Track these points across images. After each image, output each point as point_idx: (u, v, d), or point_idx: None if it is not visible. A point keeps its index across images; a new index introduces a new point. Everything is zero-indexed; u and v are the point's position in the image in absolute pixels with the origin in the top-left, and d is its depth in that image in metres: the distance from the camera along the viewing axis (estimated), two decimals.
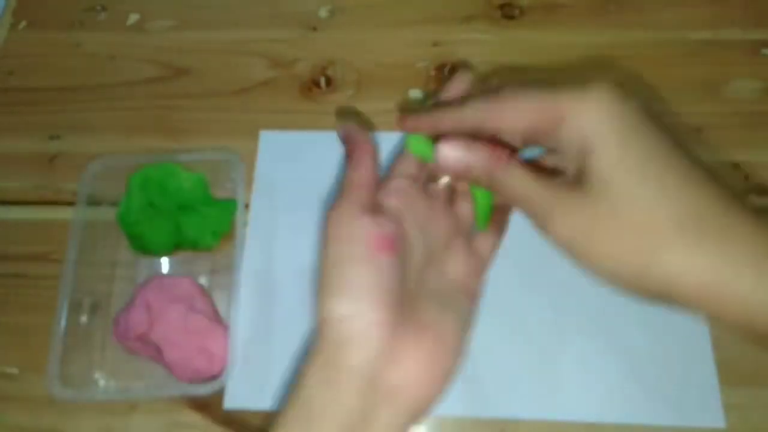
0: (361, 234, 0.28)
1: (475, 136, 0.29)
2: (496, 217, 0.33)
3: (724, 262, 0.23)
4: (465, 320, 0.31)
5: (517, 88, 0.27)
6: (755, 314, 0.23)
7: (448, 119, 0.29)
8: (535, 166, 0.27)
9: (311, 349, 0.29)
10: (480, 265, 0.33)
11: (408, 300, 0.29)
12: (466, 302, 0.32)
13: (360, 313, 0.27)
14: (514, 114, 0.27)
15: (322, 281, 0.29)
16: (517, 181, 0.27)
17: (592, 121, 0.25)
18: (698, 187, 0.24)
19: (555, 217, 0.26)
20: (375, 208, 0.30)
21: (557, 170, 0.27)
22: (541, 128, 0.26)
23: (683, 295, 0.24)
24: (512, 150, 0.28)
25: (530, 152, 0.29)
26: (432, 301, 0.30)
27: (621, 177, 0.24)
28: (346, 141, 0.33)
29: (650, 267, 0.24)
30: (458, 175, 0.29)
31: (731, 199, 0.24)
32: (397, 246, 0.29)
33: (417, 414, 0.29)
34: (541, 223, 0.26)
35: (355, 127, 0.33)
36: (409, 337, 0.28)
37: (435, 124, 0.30)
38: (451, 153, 0.28)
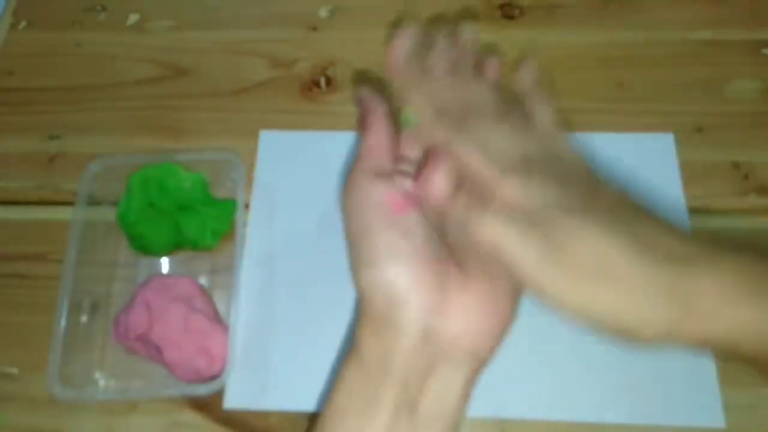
0: (378, 199, 0.29)
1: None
2: None
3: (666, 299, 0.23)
4: None
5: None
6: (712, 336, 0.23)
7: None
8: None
9: (360, 316, 0.29)
10: None
11: (450, 248, 0.29)
12: None
13: (397, 276, 0.27)
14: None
15: (352, 253, 0.29)
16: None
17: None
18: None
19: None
20: (395, 167, 0.30)
21: None
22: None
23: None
24: None
25: None
26: None
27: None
28: (360, 107, 0.33)
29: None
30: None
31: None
32: (418, 201, 0.29)
33: (478, 363, 0.29)
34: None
35: (368, 93, 0.33)
36: (455, 288, 0.28)
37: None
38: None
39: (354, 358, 0.29)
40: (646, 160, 0.48)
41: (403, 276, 0.27)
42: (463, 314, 0.28)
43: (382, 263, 0.28)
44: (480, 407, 0.40)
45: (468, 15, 0.55)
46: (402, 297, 0.27)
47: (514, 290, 0.30)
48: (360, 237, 0.29)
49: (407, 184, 0.30)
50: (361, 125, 0.32)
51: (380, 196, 0.29)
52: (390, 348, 0.27)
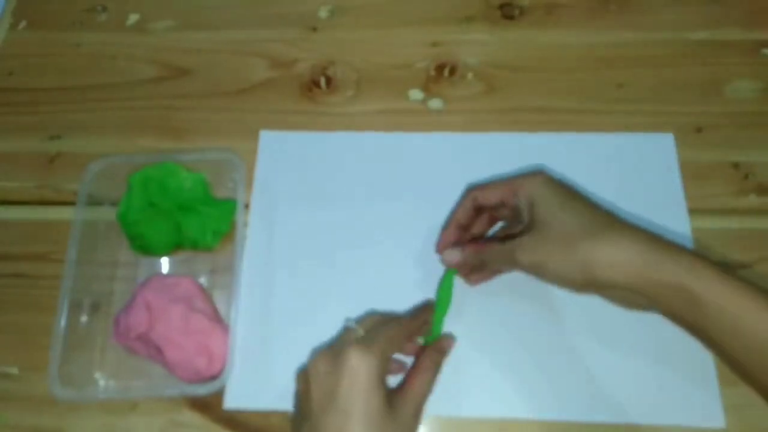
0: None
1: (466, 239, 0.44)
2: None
3: (629, 249, 0.33)
4: None
5: (489, 183, 0.42)
6: (655, 286, 0.33)
7: (461, 211, 0.43)
8: (503, 237, 0.41)
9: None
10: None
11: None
12: None
13: None
14: (491, 194, 0.41)
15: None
16: (493, 250, 0.40)
17: (533, 189, 0.38)
18: (598, 210, 0.37)
19: (517, 254, 0.37)
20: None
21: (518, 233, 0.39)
22: (505, 199, 0.40)
23: (609, 277, 0.34)
24: (487, 240, 0.44)
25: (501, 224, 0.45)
26: None
27: (553, 213, 0.37)
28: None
29: (584, 263, 0.34)
30: (460, 266, 0.42)
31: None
32: None
33: None
34: (512, 263, 0.38)
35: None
36: None
37: (456, 219, 0.43)
38: (453, 255, 0.42)
39: None
40: (647, 160, 0.48)
41: None
42: None
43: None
44: (480, 407, 0.41)
45: (467, 15, 0.55)
46: None
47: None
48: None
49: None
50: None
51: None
52: None
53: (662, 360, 0.41)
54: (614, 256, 0.34)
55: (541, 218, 0.37)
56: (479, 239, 0.44)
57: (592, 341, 0.42)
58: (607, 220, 0.36)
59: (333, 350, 0.36)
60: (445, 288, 0.42)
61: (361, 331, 0.38)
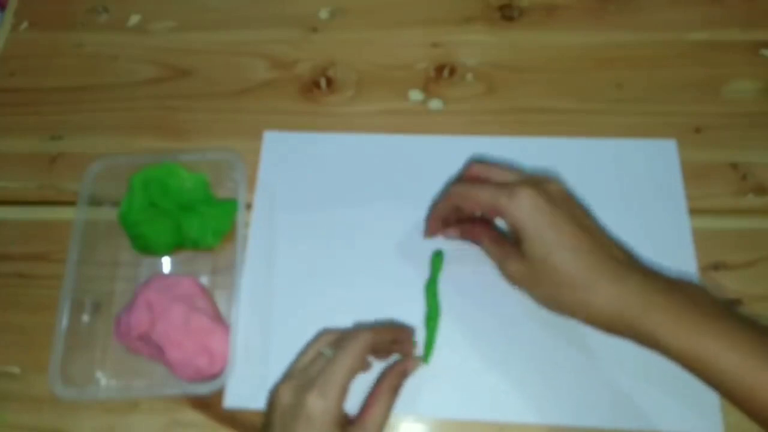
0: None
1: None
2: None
3: (619, 299, 0.34)
4: None
5: (474, 189, 0.39)
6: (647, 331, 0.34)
7: (442, 208, 0.42)
8: (497, 235, 0.41)
9: None
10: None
11: None
12: None
13: None
14: (472, 206, 0.39)
15: None
16: (483, 245, 0.41)
17: (517, 219, 0.37)
18: (591, 248, 0.36)
19: (503, 266, 0.39)
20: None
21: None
22: (488, 215, 0.41)
23: (591, 323, 0.36)
24: (482, 227, 0.42)
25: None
26: None
27: (541, 253, 0.36)
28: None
29: (569, 308, 0.36)
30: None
31: (622, 252, 0.37)
32: None
33: None
34: (498, 267, 0.40)
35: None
36: None
37: (438, 214, 0.43)
38: (451, 233, 0.43)
39: None
40: (649, 165, 0.48)
41: None
42: None
43: None
44: (479, 410, 0.41)
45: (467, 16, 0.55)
46: None
47: None
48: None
49: None
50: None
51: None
52: None
53: (660, 366, 0.41)
54: (600, 311, 0.35)
55: (529, 251, 0.36)
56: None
57: (590, 347, 0.42)
58: (600, 267, 0.35)
59: (299, 382, 0.36)
60: (431, 294, 0.43)
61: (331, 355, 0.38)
